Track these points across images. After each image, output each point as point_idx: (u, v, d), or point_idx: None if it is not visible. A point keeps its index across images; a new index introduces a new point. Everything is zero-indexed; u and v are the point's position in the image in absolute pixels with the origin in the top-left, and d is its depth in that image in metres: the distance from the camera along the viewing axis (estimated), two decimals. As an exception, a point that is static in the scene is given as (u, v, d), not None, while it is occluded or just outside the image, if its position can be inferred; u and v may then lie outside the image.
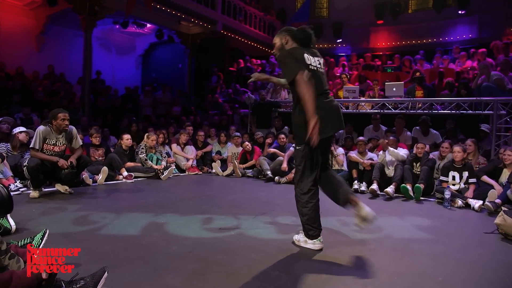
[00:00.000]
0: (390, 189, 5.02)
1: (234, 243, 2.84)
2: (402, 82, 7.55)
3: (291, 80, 2.55)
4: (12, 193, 4.17)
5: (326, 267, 2.44)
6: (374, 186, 5.16)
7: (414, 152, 5.55)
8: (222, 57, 13.76)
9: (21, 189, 4.47)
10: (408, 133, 6.82)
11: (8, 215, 2.86)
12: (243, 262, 2.44)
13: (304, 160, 2.68)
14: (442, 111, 6.58)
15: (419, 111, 6.72)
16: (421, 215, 4.16)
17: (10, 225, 2.82)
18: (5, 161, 4.70)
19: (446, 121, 6.67)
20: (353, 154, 5.86)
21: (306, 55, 2.64)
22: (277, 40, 2.81)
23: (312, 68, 2.63)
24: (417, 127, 6.74)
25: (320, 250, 2.72)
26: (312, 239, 2.75)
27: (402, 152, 5.40)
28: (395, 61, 10.65)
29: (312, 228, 2.73)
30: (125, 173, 5.72)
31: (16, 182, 4.55)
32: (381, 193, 5.13)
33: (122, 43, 14.43)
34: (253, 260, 2.49)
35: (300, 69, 2.51)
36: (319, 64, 2.72)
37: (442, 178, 5.05)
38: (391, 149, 5.42)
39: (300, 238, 2.83)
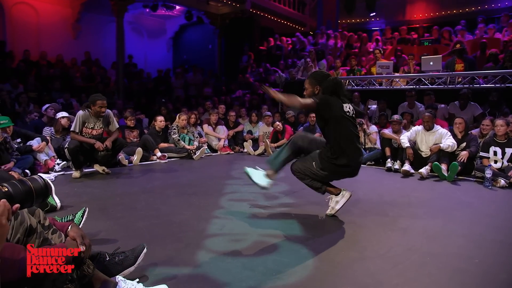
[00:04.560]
0: (424, 169, 4.82)
1: (264, 221, 2.89)
2: (440, 56, 7.11)
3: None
4: (56, 174, 4.51)
5: (356, 246, 2.43)
6: (407, 166, 4.97)
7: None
8: (252, 36, 13.57)
9: (61, 165, 4.75)
10: (442, 105, 6.48)
11: (54, 194, 3.08)
12: (272, 240, 2.48)
13: (317, 165, 2.84)
14: (485, 85, 6.15)
15: (458, 85, 6.33)
16: (458, 195, 3.99)
17: (56, 203, 3.06)
18: (49, 143, 5.04)
19: (490, 94, 6.16)
20: (387, 131, 5.67)
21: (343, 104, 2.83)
22: (308, 86, 3.00)
23: (348, 115, 2.82)
24: (456, 102, 6.36)
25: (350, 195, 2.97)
26: (333, 193, 2.97)
27: (451, 142, 4.84)
28: (433, 34, 9.97)
29: (323, 184, 2.96)
30: (158, 154, 5.91)
31: (56, 160, 4.85)
32: (415, 172, 4.96)
33: (153, 27, 14.61)
34: (282, 238, 2.53)
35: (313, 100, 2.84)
36: (350, 109, 2.87)
37: (482, 154, 4.75)
38: (444, 146, 4.84)
39: (331, 205, 2.98)
